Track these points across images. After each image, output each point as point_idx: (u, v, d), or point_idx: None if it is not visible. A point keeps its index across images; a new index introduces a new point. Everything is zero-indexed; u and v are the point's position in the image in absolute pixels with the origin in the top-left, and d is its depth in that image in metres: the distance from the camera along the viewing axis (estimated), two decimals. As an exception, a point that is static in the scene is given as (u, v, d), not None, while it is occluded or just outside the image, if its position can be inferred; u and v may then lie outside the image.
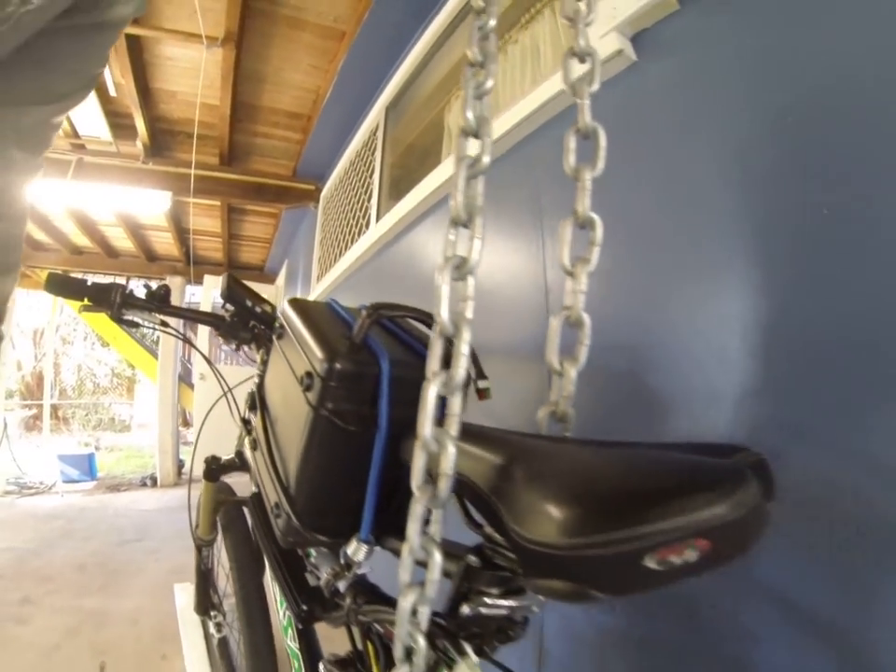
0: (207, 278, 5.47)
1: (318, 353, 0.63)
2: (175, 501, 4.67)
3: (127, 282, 6.98)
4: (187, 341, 1.40)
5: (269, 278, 6.19)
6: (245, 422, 1.11)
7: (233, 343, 1.16)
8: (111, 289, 1.02)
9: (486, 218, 1.30)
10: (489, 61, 0.52)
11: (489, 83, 0.52)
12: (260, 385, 0.97)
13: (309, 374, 0.64)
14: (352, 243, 2.44)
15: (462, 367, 0.44)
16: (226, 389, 1.22)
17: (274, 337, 0.86)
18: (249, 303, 1.10)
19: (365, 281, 2.32)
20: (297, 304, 0.79)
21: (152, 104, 3.06)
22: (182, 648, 1.96)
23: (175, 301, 5.74)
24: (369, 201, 2.30)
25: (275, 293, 5.72)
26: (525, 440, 0.51)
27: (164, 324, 1.15)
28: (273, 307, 1.16)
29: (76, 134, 3.38)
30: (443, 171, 1.53)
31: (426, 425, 0.44)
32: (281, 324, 0.82)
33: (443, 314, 0.46)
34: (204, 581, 1.51)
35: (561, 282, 1.04)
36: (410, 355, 0.70)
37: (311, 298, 3.07)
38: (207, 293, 5.50)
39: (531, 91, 1.21)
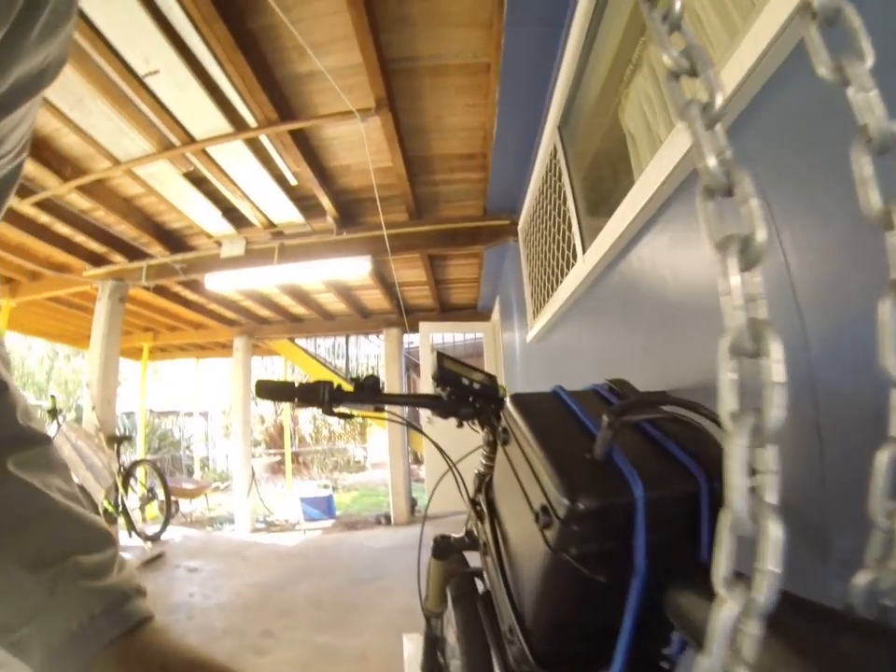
0: (423, 325, 5.74)
1: (555, 485, 0.55)
2: (407, 539, 4.91)
3: (348, 344, 7.70)
4: (410, 425, 1.36)
5: (483, 315, 6.26)
6: (474, 503, 1.10)
7: (455, 419, 1.14)
8: (318, 388, 1.05)
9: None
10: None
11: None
12: (488, 485, 0.90)
13: (545, 510, 0.56)
14: (562, 276, 2.26)
15: (778, 405, 0.32)
16: (451, 464, 1.21)
17: (499, 442, 0.78)
18: (465, 380, 1.08)
19: (586, 315, 2.07)
20: (520, 403, 0.73)
21: (331, 181, 3.40)
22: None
23: (392, 351, 6.18)
24: (570, 230, 2.12)
25: (491, 329, 5.83)
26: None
27: (379, 409, 1.16)
28: (492, 378, 1.13)
29: (271, 224, 3.91)
30: (643, 184, 1.28)
31: (736, 492, 0.32)
32: (505, 427, 0.74)
33: (737, 320, 0.35)
34: (432, 646, 1.52)
35: (820, 305, 0.71)
36: (667, 462, 0.59)
37: (528, 337, 3.01)
38: (425, 339, 5.79)
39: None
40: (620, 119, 1.72)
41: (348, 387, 1.08)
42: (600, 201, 1.97)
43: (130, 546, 4.35)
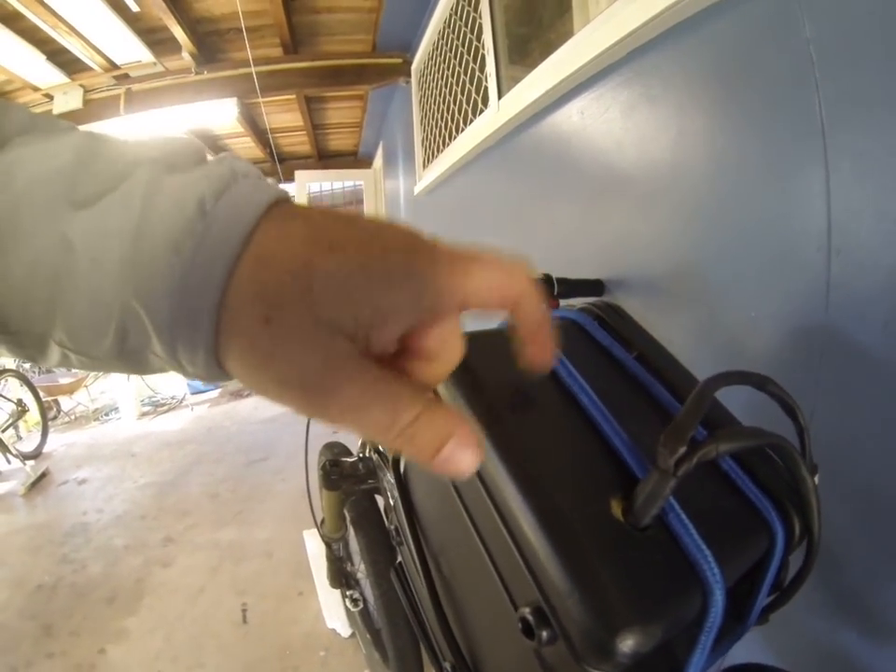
0: (299, 174, 5.35)
1: (570, 595, 0.29)
2: (294, 403, 4.91)
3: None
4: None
5: (364, 162, 5.86)
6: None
7: None
8: None
9: (702, 114, 0.82)
10: None
11: None
12: (402, 481, 0.60)
13: (542, 617, 0.31)
14: (465, 123, 2.01)
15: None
16: None
17: None
18: None
19: (495, 170, 1.80)
20: (469, 384, 0.41)
21: (184, 7, 2.64)
22: (316, 588, 2.07)
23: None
24: (481, 71, 1.84)
25: (373, 177, 5.54)
26: None
27: None
28: None
29: (114, 66, 3.07)
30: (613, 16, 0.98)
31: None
32: None
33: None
34: (337, 566, 1.47)
35: (858, 238, 0.57)
36: (737, 511, 0.37)
37: (417, 188, 2.73)
38: (301, 189, 5.44)
39: None
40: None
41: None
42: (531, 46, 1.70)
43: (10, 470, 3.75)
